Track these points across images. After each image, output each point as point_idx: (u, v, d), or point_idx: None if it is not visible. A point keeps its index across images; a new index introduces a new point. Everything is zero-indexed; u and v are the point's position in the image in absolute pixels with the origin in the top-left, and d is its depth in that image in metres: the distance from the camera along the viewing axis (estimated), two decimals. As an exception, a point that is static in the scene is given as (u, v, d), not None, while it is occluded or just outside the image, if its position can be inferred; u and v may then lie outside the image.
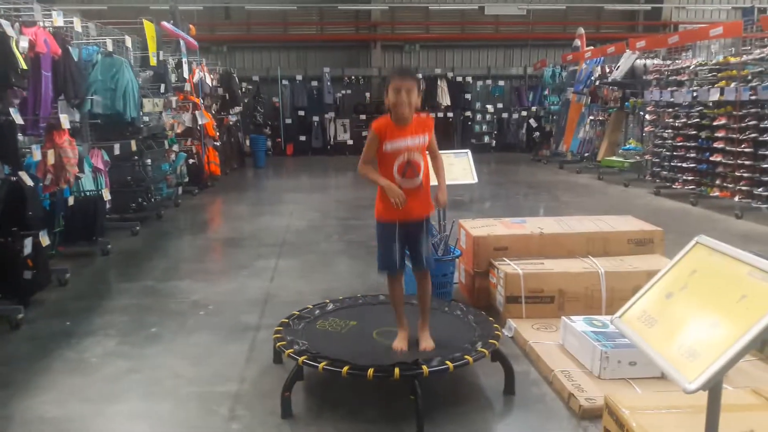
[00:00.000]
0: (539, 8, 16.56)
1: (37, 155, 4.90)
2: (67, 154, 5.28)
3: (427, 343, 3.14)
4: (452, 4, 16.50)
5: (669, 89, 9.22)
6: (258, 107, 15.59)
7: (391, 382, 2.84)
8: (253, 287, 4.94)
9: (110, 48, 6.56)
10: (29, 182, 4.51)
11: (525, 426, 2.89)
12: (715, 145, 8.12)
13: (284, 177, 12.66)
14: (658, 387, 2.92)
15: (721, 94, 7.92)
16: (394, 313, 3.24)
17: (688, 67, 8.96)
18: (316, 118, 15.78)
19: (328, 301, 3.83)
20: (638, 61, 10.94)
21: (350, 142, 15.56)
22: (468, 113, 16.28)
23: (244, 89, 14.68)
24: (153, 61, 7.43)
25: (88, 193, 6.10)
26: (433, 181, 3.23)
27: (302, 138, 15.88)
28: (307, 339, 3.19)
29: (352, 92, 16.05)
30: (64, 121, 5.29)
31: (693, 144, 8.65)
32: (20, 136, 4.86)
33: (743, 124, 7.56)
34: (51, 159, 5.11)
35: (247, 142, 14.25)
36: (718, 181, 8.15)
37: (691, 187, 8.69)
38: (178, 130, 9.15)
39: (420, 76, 15.79)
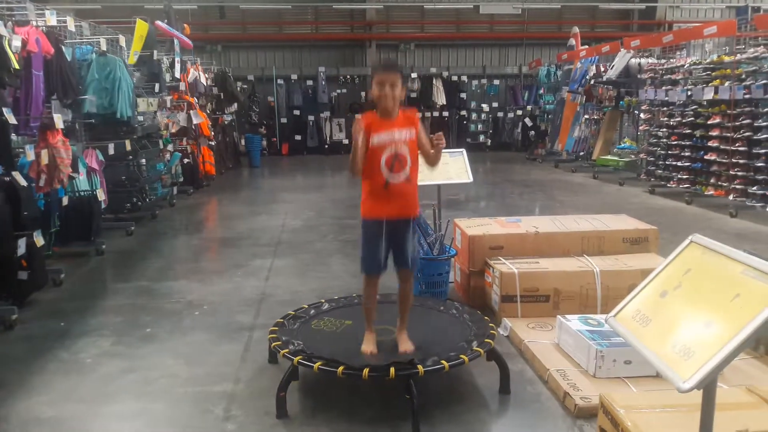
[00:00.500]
0: (534, 7, 16.58)
1: (30, 155, 4.88)
2: (60, 154, 5.26)
3: (406, 345, 3.10)
4: (447, 3, 16.50)
5: (663, 88, 9.25)
6: (253, 107, 15.56)
7: (387, 382, 2.84)
8: (248, 287, 4.93)
9: (104, 47, 6.53)
10: (23, 182, 4.49)
11: (520, 425, 2.89)
12: (710, 143, 8.14)
13: (279, 176, 12.64)
14: (653, 386, 2.92)
15: (716, 92, 7.94)
16: (364, 315, 3.18)
17: (683, 66, 8.98)
18: (311, 118, 15.75)
19: (323, 300, 3.83)
20: (633, 60, 10.96)
21: (346, 141, 15.55)
22: (463, 112, 16.29)
23: (239, 88, 14.64)
24: (132, 59, 7.37)
25: (82, 193, 6.07)
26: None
27: (297, 137, 15.85)
28: (303, 339, 3.19)
29: (347, 91, 16.03)
30: (58, 120, 5.27)
31: (687, 143, 8.68)
32: (13, 136, 4.85)
33: (737, 123, 7.59)
34: (45, 159, 5.09)
35: (243, 142, 14.22)
36: (712, 180, 8.18)
37: (685, 185, 8.71)
38: (173, 130, 9.13)
39: (414, 74, 15.83)
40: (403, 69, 3.19)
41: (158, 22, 8.98)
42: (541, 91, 15.10)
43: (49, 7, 5.85)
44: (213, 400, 3.06)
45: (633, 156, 10.65)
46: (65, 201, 5.64)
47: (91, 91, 6.28)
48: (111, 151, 6.62)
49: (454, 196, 8.73)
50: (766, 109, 7.21)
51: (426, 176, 4.81)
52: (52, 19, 5.49)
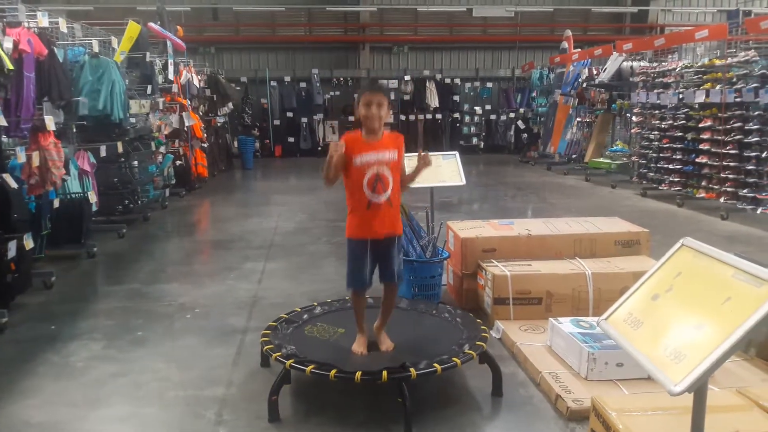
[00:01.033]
0: (527, 10, 16.64)
1: (21, 157, 4.85)
2: (52, 156, 5.23)
3: (386, 344, 3.16)
4: (440, 6, 16.53)
5: (655, 91, 9.30)
6: (246, 108, 15.53)
7: (379, 385, 2.83)
8: (240, 290, 4.92)
9: (96, 49, 6.50)
10: (13, 184, 4.46)
11: (513, 428, 2.89)
12: (701, 146, 8.19)
13: (272, 179, 12.62)
14: (645, 388, 2.93)
15: (707, 96, 7.99)
16: (356, 319, 3.21)
17: (674, 69, 9.04)
18: (304, 120, 15.74)
19: (316, 304, 3.81)
20: (625, 63, 11.03)
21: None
22: (456, 115, 16.32)
23: (228, 93, 14.58)
24: (118, 58, 7.33)
25: (74, 196, 6.04)
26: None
27: (291, 139, 15.83)
28: (295, 342, 3.18)
29: (340, 94, 16.04)
30: (50, 122, 5.24)
31: (679, 146, 8.73)
32: (4, 138, 4.82)
33: (728, 126, 7.64)
34: (36, 161, 5.06)
35: (235, 144, 14.20)
36: (703, 183, 8.22)
37: (677, 188, 8.76)
38: (165, 132, 9.10)
39: (408, 77, 15.85)
40: (387, 90, 3.19)
41: (151, 24, 8.96)
42: (534, 94, 15.17)
43: (41, 8, 5.82)
44: (205, 404, 3.05)
45: (625, 159, 10.70)
46: (56, 203, 5.61)
47: (84, 92, 6.25)
48: (103, 153, 6.59)
49: (447, 198, 8.74)
50: (756, 113, 7.26)
51: (419, 179, 4.82)
52: (43, 21, 5.46)
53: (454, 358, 2.93)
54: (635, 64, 10.84)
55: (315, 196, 9.67)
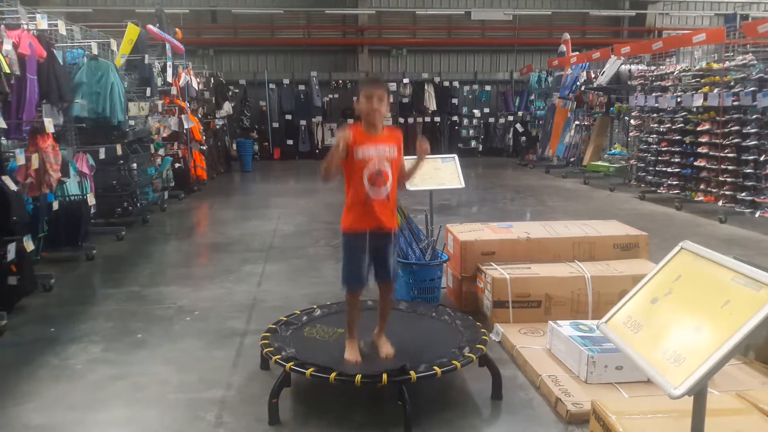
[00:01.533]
0: (525, 14, 16.68)
1: (21, 159, 4.85)
2: (49, 158, 5.22)
3: (386, 349, 3.13)
4: (439, 9, 16.56)
5: (653, 95, 9.32)
6: (245, 111, 15.54)
7: (379, 388, 2.83)
8: (239, 292, 4.92)
9: (95, 51, 6.51)
10: (13, 186, 4.46)
11: (512, 431, 2.89)
12: (699, 150, 8.21)
13: (271, 181, 12.62)
14: (645, 391, 2.94)
15: (705, 99, 8.02)
16: (347, 325, 3.18)
17: (672, 72, 9.06)
18: (303, 122, 15.74)
19: (315, 306, 3.82)
20: (623, 66, 11.05)
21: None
22: (455, 118, 16.33)
23: (230, 93, 14.62)
24: (119, 61, 7.35)
25: (72, 198, 6.03)
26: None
27: (289, 142, 15.83)
28: (295, 345, 3.18)
29: (339, 96, 16.05)
30: (49, 125, 5.24)
31: (677, 149, 8.75)
32: (3, 140, 4.81)
33: (726, 130, 7.66)
34: (35, 163, 5.06)
35: (234, 146, 14.20)
36: (702, 186, 8.24)
37: (675, 191, 8.77)
38: (164, 134, 9.10)
39: (406, 80, 15.86)
40: (387, 85, 3.20)
41: (150, 26, 8.96)
42: (532, 97, 15.19)
43: (40, 10, 5.82)
44: (204, 406, 3.05)
45: (623, 162, 10.72)
46: (55, 205, 5.60)
47: (82, 95, 6.24)
48: (102, 156, 6.58)
49: (446, 201, 8.75)
50: (754, 116, 7.28)
51: (418, 182, 4.83)
52: (43, 23, 5.46)
53: (454, 361, 2.94)
54: (633, 67, 10.86)
55: (314, 199, 9.68)
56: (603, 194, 9.95)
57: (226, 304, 4.62)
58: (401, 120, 15.62)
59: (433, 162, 5.09)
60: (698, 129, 8.23)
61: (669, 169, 8.91)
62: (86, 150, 6.47)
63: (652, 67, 9.94)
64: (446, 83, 16.29)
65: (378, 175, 3.04)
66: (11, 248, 4.25)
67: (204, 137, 10.98)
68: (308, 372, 2.84)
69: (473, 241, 4.32)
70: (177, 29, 10.73)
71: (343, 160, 3.02)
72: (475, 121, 16.60)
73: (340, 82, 16.06)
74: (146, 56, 8.24)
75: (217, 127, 12.73)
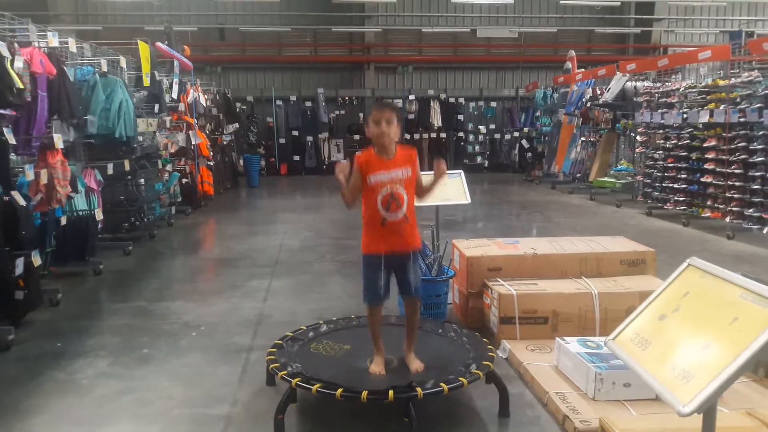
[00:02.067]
0: (531, 31, 16.79)
1: (30, 175, 4.89)
2: (57, 174, 5.27)
3: (416, 365, 3.15)
4: (445, 27, 16.69)
5: (659, 111, 9.33)
6: (252, 127, 15.65)
7: (386, 405, 2.82)
8: (246, 308, 4.92)
9: (105, 68, 6.58)
10: (22, 202, 4.50)
11: (520, 448, 2.87)
12: (706, 166, 8.20)
13: (278, 197, 12.66)
14: (653, 409, 2.91)
15: (711, 116, 8.02)
16: (371, 338, 3.22)
17: (678, 89, 9.07)
18: (310, 138, 15.84)
19: (321, 322, 3.82)
20: (629, 83, 11.08)
21: (344, 161, 15.58)
22: (460, 134, 16.40)
23: (238, 110, 14.74)
24: (146, 82, 7.47)
25: (80, 213, 6.07)
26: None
27: (296, 158, 15.92)
28: (301, 360, 3.18)
29: (345, 113, 16.16)
30: (58, 141, 5.29)
31: (684, 165, 8.74)
32: (13, 156, 4.86)
33: (733, 146, 7.65)
34: (44, 179, 5.10)
35: (241, 162, 14.28)
36: (709, 202, 8.21)
37: (682, 207, 8.75)
38: (172, 150, 9.16)
39: (412, 97, 15.95)
40: (397, 108, 3.26)
41: (159, 44, 9.07)
42: (538, 114, 15.23)
43: (51, 28, 5.91)
44: (210, 422, 3.04)
45: (630, 178, 10.71)
46: (63, 221, 5.64)
47: (96, 111, 6.30)
48: (110, 171, 6.64)
49: (452, 216, 8.75)
50: (761, 132, 7.27)
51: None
52: (54, 41, 5.54)
53: (461, 378, 2.93)
54: (639, 84, 10.89)
55: (320, 214, 9.70)
56: (609, 210, 9.93)
57: (233, 320, 4.62)
58: (407, 136, 15.68)
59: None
60: (705, 145, 8.22)
61: (676, 185, 8.89)
62: (94, 165, 6.52)
63: (658, 84, 9.96)
64: (452, 100, 16.37)
65: (392, 199, 3.06)
66: (19, 263, 4.28)
67: (211, 153, 11.05)
68: (314, 388, 2.83)
69: (480, 257, 4.32)
70: (185, 46, 10.85)
71: (358, 188, 3.10)
72: (480, 137, 16.66)
73: (347, 98, 16.18)
74: (155, 73, 8.33)
75: (225, 143, 12.81)
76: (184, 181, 9.69)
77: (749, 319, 1.73)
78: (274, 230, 8.33)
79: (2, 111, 4.58)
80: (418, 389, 2.78)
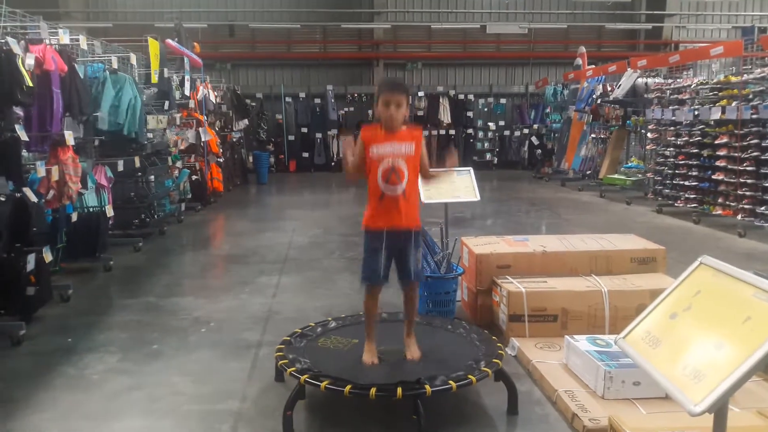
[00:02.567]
0: (540, 27, 16.69)
1: (41, 171, 4.93)
2: (69, 171, 5.30)
3: (413, 352, 3.17)
4: (454, 23, 16.63)
5: (670, 108, 9.26)
6: (261, 124, 15.68)
7: (394, 402, 2.82)
8: (255, 304, 4.93)
9: (115, 65, 6.61)
10: (33, 198, 4.53)
11: (528, 446, 2.86)
12: (717, 163, 8.13)
13: (287, 193, 12.68)
14: (663, 407, 2.89)
15: (723, 112, 7.95)
16: (365, 324, 3.24)
17: (690, 86, 9.00)
18: (319, 135, 15.85)
19: (330, 318, 3.82)
20: (639, 79, 11.00)
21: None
22: (470, 131, 16.35)
23: (247, 106, 14.77)
24: (155, 78, 7.50)
25: (91, 209, 6.11)
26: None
27: (305, 155, 15.94)
28: (309, 357, 3.18)
29: (354, 110, 16.15)
30: (69, 137, 5.32)
31: (695, 162, 8.67)
32: (24, 153, 4.89)
33: (745, 143, 7.58)
34: (55, 175, 5.13)
35: (250, 159, 14.31)
36: (720, 200, 8.15)
37: (693, 205, 8.69)
38: (182, 147, 9.20)
39: (422, 93, 15.91)
40: (409, 88, 3.26)
41: (168, 41, 9.09)
42: (548, 110, 15.15)
43: (62, 25, 5.94)
44: (219, 418, 3.05)
45: (640, 175, 10.64)
46: (74, 217, 5.67)
47: (105, 108, 6.33)
48: (120, 168, 6.67)
49: (461, 213, 8.73)
50: (773, 130, 7.20)
51: (434, 194, 4.84)
52: (65, 38, 5.57)
53: (470, 375, 2.92)
54: (650, 80, 10.81)
55: (329, 211, 9.71)
56: (619, 207, 9.87)
57: (242, 316, 4.63)
58: (416, 133, 15.64)
59: (448, 175, 5.09)
60: (716, 142, 8.15)
61: (686, 183, 8.82)
62: (105, 162, 6.56)
63: (669, 80, 9.89)
64: (461, 96, 16.32)
65: (392, 172, 3.06)
66: (31, 259, 4.31)
67: (221, 150, 11.08)
68: (323, 385, 2.84)
69: (489, 254, 4.30)
70: (195, 43, 10.88)
71: (361, 159, 3.13)
72: (490, 134, 16.60)
73: (356, 95, 16.17)
74: (165, 70, 8.36)
75: (234, 140, 12.84)
76: (193, 177, 9.73)
77: (762, 318, 1.72)
78: (283, 227, 8.34)
79: (18, 110, 4.61)
80: (427, 386, 2.78)
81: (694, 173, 8.71)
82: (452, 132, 16.13)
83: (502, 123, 16.56)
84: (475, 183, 4.99)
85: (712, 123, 8.28)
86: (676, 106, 9.16)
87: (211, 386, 3.42)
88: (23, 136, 4.44)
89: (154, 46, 7.59)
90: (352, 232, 7.73)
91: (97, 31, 12.54)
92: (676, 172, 9.11)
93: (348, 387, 2.80)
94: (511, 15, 16.69)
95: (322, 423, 3.03)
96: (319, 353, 3.28)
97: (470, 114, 16.33)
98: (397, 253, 3.14)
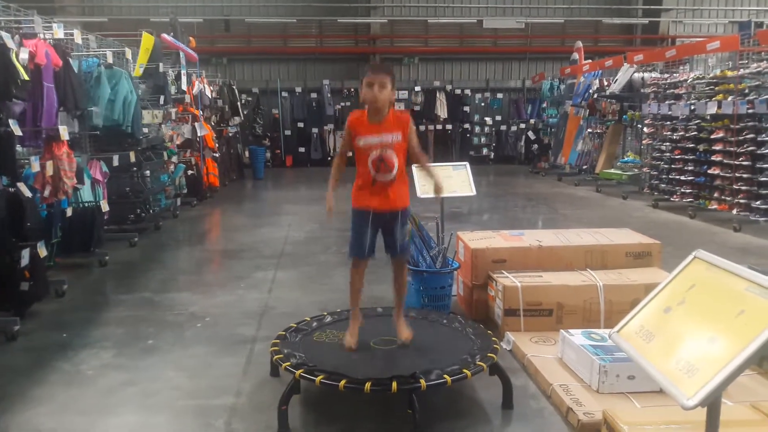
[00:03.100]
0: (537, 22, 16.67)
1: (35, 167, 4.90)
2: (63, 166, 5.27)
3: (404, 333, 3.22)
4: (451, 18, 16.60)
5: (667, 102, 9.26)
6: (257, 119, 15.64)
7: (389, 396, 2.82)
8: (250, 299, 4.93)
9: (110, 60, 6.58)
10: (27, 193, 4.51)
11: (523, 440, 2.87)
12: (713, 158, 8.15)
13: (283, 188, 12.67)
14: (657, 401, 2.90)
15: (719, 107, 7.95)
16: (350, 299, 3.32)
17: (686, 80, 9.00)
18: (315, 130, 15.83)
19: (325, 313, 3.82)
20: (636, 74, 11.00)
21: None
22: (466, 125, 16.34)
23: (243, 101, 14.73)
24: (138, 72, 7.45)
25: (86, 204, 6.09)
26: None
27: (302, 149, 15.92)
28: (304, 351, 3.18)
29: (351, 104, 16.11)
30: (63, 132, 5.29)
31: (691, 157, 8.68)
32: (19, 147, 4.87)
33: (741, 138, 7.59)
34: (50, 170, 5.11)
35: (246, 154, 14.28)
36: (716, 194, 8.16)
37: (689, 199, 8.70)
38: (178, 142, 9.17)
39: (418, 88, 15.89)
40: (392, 70, 3.26)
41: (164, 35, 9.05)
42: (545, 105, 15.16)
43: (56, 19, 5.90)
44: (214, 413, 3.05)
45: (636, 170, 10.66)
46: (69, 212, 5.66)
47: (100, 102, 6.30)
48: (115, 163, 6.65)
49: (457, 208, 8.73)
50: (769, 124, 7.21)
51: (430, 189, 4.83)
52: (59, 32, 5.53)
53: (465, 370, 2.92)
54: (646, 75, 10.81)
55: (325, 206, 9.68)
56: (616, 202, 9.88)
57: (237, 311, 4.63)
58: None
59: (444, 170, 5.10)
60: (712, 137, 8.16)
61: (682, 177, 8.84)
62: (100, 157, 6.53)
63: (666, 75, 9.89)
64: (458, 91, 16.31)
65: (380, 162, 3.09)
66: (25, 254, 4.30)
67: (217, 145, 11.06)
68: (318, 379, 2.84)
69: (484, 249, 4.31)
70: (191, 38, 10.83)
71: (345, 154, 3.26)
72: (486, 129, 16.60)
73: (352, 90, 16.13)
74: (160, 65, 8.33)
75: (230, 134, 12.81)
76: (189, 172, 9.71)
77: (755, 312, 1.72)
78: (279, 222, 8.33)
79: (15, 103, 4.58)
80: (422, 381, 2.78)
81: (689, 168, 8.72)
82: (449, 127, 16.11)
83: (498, 118, 16.56)
84: (471, 178, 5.00)
85: (708, 118, 8.28)
86: (673, 101, 9.16)
87: (206, 381, 3.42)
88: (17, 131, 4.42)
89: (147, 40, 7.55)
90: (348, 227, 7.71)
91: (93, 26, 12.51)
92: (672, 166, 9.13)
93: (343, 381, 2.80)
94: (508, 9, 16.67)
95: (317, 417, 3.03)
96: (315, 348, 3.28)
97: (467, 109, 16.32)
98: (383, 228, 3.22)
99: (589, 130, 12.31)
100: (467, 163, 5.14)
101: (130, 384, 3.39)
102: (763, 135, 7.26)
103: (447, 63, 17.03)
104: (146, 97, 7.99)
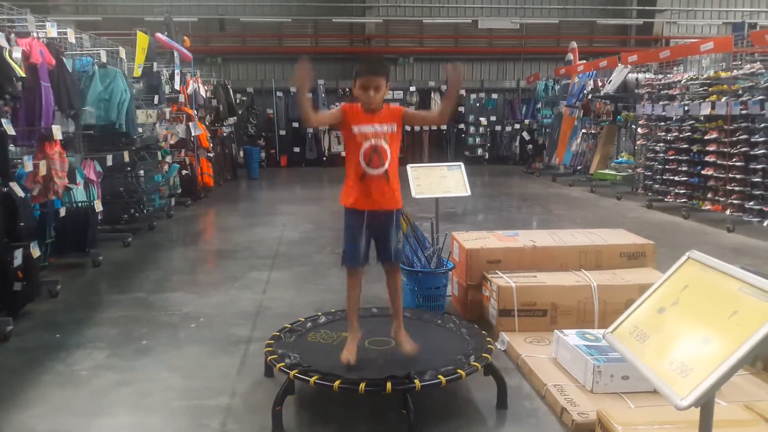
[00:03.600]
0: (532, 22, 16.70)
1: (28, 166, 4.88)
2: (55, 165, 5.25)
3: (407, 346, 3.14)
4: (446, 18, 16.61)
5: (661, 103, 9.29)
6: (251, 119, 15.61)
7: (383, 396, 2.82)
8: (245, 299, 4.92)
9: (104, 59, 6.55)
10: (20, 193, 4.48)
11: (518, 441, 2.87)
12: (707, 158, 8.18)
13: (278, 188, 12.64)
14: (651, 402, 2.91)
15: (712, 108, 7.99)
16: (347, 313, 3.22)
17: (680, 81, 9.04)
18: (310, 130, 15.80)
19: (320, 313, 3.82)
20: (630, 75, 11.04)
21: (344, 153, 15.55)
22: (461, 126, 16.35)
23: (238, 101, 14.69)
24: (137, 72, 7.43)
25: (79, 204, 6.06)
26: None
27: (296, 149, 15.90)
28: (299, 352, 3.18)
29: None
30: (56, 132, 5.27)
31: (685, 157, 8.72)
32: (12, 147, 4.84)
33: (734, 138, 7.62)
34: (43, 170, 5.09)
35: (241, 154, 14.24)
36: (709, 195, 8.20)
37: (683, 200, 8.73)
38: (172, 141, 9.13)
39: (413, 88, 15.89)
40: (387, 68, 3.16)
41: (158, 35, 9.02)
42: (539, 106, 15.18)
43: (50, 18, 5.87)
44: (209, 414, 3.04)
45: (630, 170, 10.69)
46: (62, 212, 5.63)
47: (93, 102, 6.28)
48: (109, 162, 6.62)
49: (452, 209, 8.74)
50: (762, 125, 7.24)
51: (425, 189, 4.84)
52: (52, 31, 5.51)
53: (459, 370, 2.93)
54: (640, 75, 10.85)
55: (320, 206, 9.69)
56: (610, 203, 9.91)
57: (231, 311, 4.62)
58: (407, 128, 15.64)
59: (439, 170, 5.10)
60: (706, 138, 8.20)
61: (676, 178, 8.87)
62: (94, 157, 6.51)
63: (660, 76, 9.92)
64: (453, 91, 16.28)
65: (374, 152, 3.03)
66: (18, 254, 4.28)
67: (211, 144, 11.02)
68: (312, 380, 2.84)
69: (479, 249, 4.31)
70: (185, 37, 10.79)
71: (327, 119, 3.18)
72: (481, 129, 16.61)
73: (347, 89, 16.10)
74: (155, 64, 8.29)
75: (224, 134, 12.78)
76: (183, 172, 9.67)
77: (748, 312, 1.72)
78: (274, 222, 8.32)
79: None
80: (416, 381, 2.78)
81: (683, 168, 8.75)
82: (443, 127, 16.12)
83: (493, 118, 16.57)
84: (465, 178, 4.99)
85: (702, 118, 8.31)
86: (667, 102, 9.19)
87: (200, 382, 3.41)
88: (10, 130, 4.39)
89: (142, 40, 7.53)
90: (343, 227, 7.71)
91: (86, 25, 12.45)
92: (666, 167, 9.16)
93: (337, 382, 2.80)
94: (503, 10, 16.69)
95: (312, 418, 3.03)
96: (309, 348, 3.28)
97: (461, 109, 16.33)
98: (377, 234, 3.12)
99: (584, 130, 12.34)
100: (462, 164, 5.13)
101: (124, 384, 3.38)
102: (756, 136, 7.30)
103: (442, 63, 17.02)
104: (140, 96, 7.96)
